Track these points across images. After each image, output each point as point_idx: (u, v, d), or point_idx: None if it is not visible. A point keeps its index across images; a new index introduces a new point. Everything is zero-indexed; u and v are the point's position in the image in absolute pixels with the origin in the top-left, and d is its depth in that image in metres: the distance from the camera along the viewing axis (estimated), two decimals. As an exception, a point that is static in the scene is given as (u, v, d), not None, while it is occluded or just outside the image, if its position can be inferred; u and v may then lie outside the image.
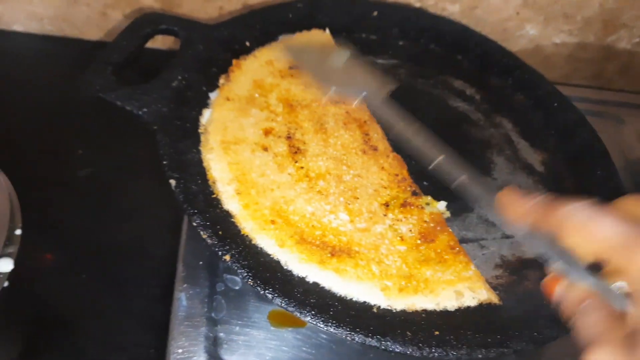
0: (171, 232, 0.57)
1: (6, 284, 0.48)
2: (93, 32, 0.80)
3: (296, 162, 0.52)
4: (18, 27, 0.80)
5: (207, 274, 0.48)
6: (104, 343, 0.54)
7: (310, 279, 0.45)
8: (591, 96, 0.83)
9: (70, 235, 0.61)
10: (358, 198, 0.51)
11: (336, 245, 0.47)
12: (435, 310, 0.45)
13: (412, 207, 0.51)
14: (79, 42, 0.81)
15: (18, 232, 0.49)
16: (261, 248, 0.45)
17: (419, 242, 0.49)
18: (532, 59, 0.83)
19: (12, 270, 0.47)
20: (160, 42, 0.79)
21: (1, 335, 0.53)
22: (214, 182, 0.49)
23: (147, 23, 0.59)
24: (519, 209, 0.34)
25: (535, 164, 0.61)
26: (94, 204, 0.65)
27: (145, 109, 0.51)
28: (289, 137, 0.54)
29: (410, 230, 0.49)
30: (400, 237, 0.49)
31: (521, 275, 0.49)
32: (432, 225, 0.50)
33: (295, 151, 0.53)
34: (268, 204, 0.48)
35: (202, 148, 0.52)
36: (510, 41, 0.81)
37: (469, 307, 0.46)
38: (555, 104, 0.66)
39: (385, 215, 0.50)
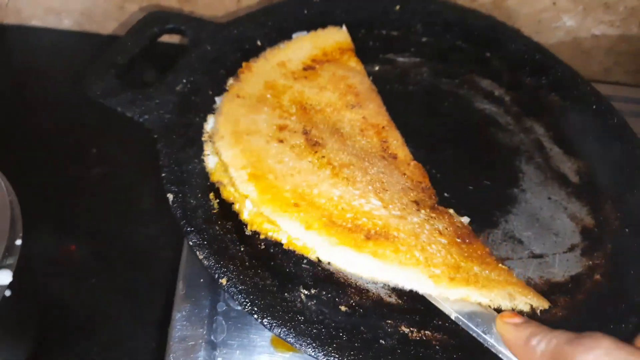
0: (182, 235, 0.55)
1: (8, 293, 0.47)
2: (111, 26, 0.80)
3: (315, 152, 0.48)
4: (36, 22, 0.80)
5: (208, 292, 0.46)
6: (112, 349, 0.54)
7: (339, 265, 0.41)
8: (633, 95, 0.76)
9: (81, 236, 0.61)
10: (387, 190, 0.46)
11: (371, 229, 0.42)
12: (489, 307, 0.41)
13: (443, 213, 0.47)
14: (97, 36, 0.80)
15: (18, 242, 0.48)
16: (261, 269, 0.42)
17: (458, 240, 0.44)
18: (569, 53, 0.78)
19: (19, 275, 0.46)
20: (172, 36, 0.77)
21: (8, 340, 0.53)
22: (225, 168, 0.45)
23: (153, 22, 0.56)
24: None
25: (569, 174, 0.56)
26: (106, 204, 0.64)
27: (146, 116, 0.48)
28: (305, 133, 0.50)
29: (447, 229, 0.45)
30: (439, 231, 0.44)
31: (550, 300, 0.45)
32: (466, 230, 0.46)
33: (314, 144, 0.49)
34: (289, 187, 0.44)
35: (204, 158, 0.48)
36: (545, 33, 0.76)
37: (522, 312, 0.42)
38: (594, 107, 0.60)
39: (418, 210, 0.46)
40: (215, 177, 0.47)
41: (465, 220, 0.49)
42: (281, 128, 0.51)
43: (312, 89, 0.56)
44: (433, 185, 0.51)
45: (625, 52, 0.79)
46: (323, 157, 0.48)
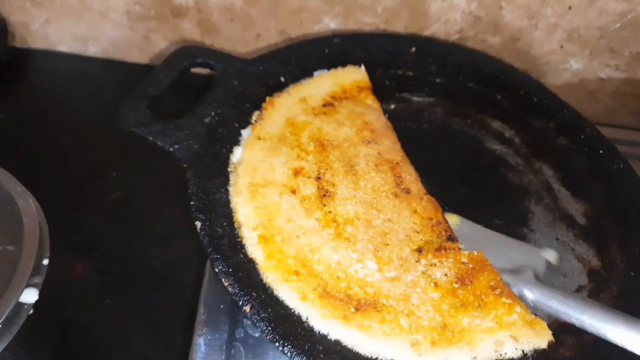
0: (200, 261, 0.56)
1: (31, 311, 0.48)
2: (135, 55, 0.83)
3: (324, 205, 0.51)
4: (62, 48, 0.83)
5: (227, 318, 0.47)
6: None
7: (332, 336, 0.43)
8: (637, 139, 0.79)
9: (101, 259, 0.62)
10: (388, 244, 0.49)
11: (361, 299, 0.45)
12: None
13: (448, 251, 0.49)
14: (122, 64, 0.83)
15: (45, 262, 0.49)
16: (282, 300, 0.44)
17: (455, 285, 0.46)
18: (576, 94, 0.80)
19: (44, 300, 0.47)
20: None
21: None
22: (239, 226, 0.48)
23: (184, 56, 0.60)
24: None
25: (576, 216, 0.58)
26: (126, 228, 0.65)
27: (176, 146, 0.51)
28: (318, 178, 0.53)
29: (446, 275, 0.47)
30: (434, 283, 0.46)
31: (558, 341, 0.46)
32: (470, 266, 0.48)
33: (324, 194, 0.52)
34: (292, 252, 0.47)
35: (230, 189, 0.51)
36: (552, 75, 0.79)
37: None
38: (600, 150, 0.62)
39: (417, 261, 0.48)
40: (237, 220, 0.50)
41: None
42: (296, 172, 0.53)
43: (330, 125, 0.59)
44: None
45: (630, 95, 0.81)
46: (330, 212, 0.51)
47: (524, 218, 0.57)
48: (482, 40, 0.75)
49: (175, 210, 0.64)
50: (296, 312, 0.44)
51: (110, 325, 0.56)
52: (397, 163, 0.57)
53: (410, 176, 0.56)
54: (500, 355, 0.43)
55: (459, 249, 0.50)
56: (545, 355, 0.44)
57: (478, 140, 0.64)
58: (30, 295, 0.47)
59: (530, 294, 0.47)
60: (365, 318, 0.44)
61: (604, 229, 0.56)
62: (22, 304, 0.46)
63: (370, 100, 0.63)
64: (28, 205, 0.52)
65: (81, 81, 0.81)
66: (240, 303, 0.41)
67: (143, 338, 0.56)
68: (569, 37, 0.73)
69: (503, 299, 0.46)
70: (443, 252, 0.49)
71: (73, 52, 0.83)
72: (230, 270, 0.43)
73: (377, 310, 0.45)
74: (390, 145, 0.59)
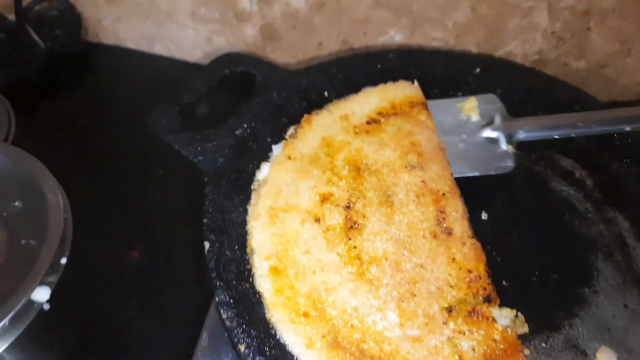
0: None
1: (47, 307, 0.47)
2: (197, 55, 0.83)
3: (349, 239, 0.46)
4: (130, 45, 0.86)
5: (229, 348, 0.44)
6: None
7: None
8: None
9: (123, 263, 0.61)
10: (416, 295, 0.43)
11: (375, 356, 0.39)
12: None
13: (481, 318, 0.42)
14: (184, 63, 0.84)
15: (63, 260, 0.48)
16: (284, 344, 0.39)
17: None
18: None
19: (59, 297, 0.46)
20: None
21: (42, 353, 0.53)
22: (252, 253, 0.44)
23: (226, 63, 0.57)
24: None
25: (654, 280, 0.48)
26: (157, 231, 0.64)
27: (201, 157, 0.48)
28: (347, 207, 0.48)
29: (473, 349, 0.40)
30: (459, 355, 0.40)
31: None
32: (501, 346, 0.41)
33: (351, 226, 0.47)
34: (305, 290, 0.42)
35: (249, 209, 0.47)
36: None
37: None
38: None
39: (445, 323, 0.42)
40: (250, 244, 0.46)
41: (509, 315, 0.43)
42: (324, 198, 0.49)
43: (371, 146, 0.53)
44: (490, 270, 0.46)
45: None
46: (355, 247, 0.46)
47: (588, 276, 0.49)
48: (564, 64, 0.68)
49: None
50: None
51: (129, 325, 0.55)
52: (443, 194, 0.51)
53: (455, 212, 0.50)
54: None
55: (493, 320, 0.43)
56: None
57: (543, 179, 0.57)
58: (42, 294, 0.46)
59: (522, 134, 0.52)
60: None
61: (688, 301, 0.47)
62: (32, 302, 0.46)
63: (424, 117, 0.57)
64: (57, 202, 0.51)
65: (145, 78, 0.82)
66: (236, 340, 0.38)
67: (156, 342, 0.53)
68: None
69: None
70: (475, 318, 0.42)
71: (140, 49, 0.86)
72: (232, 301, 0.40)
73: None
74: (438, 172, 0.52)
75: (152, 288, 0.58)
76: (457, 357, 0.40)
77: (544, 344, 0.44)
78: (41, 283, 0.46)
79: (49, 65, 0.80)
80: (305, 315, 0.41)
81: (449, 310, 0.42)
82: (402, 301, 0.42)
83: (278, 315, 0.41)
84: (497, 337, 0.41)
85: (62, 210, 0.51)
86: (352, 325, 0.41)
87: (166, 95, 0.56)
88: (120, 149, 0.72)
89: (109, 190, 0.67)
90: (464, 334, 0.41)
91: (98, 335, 0.55)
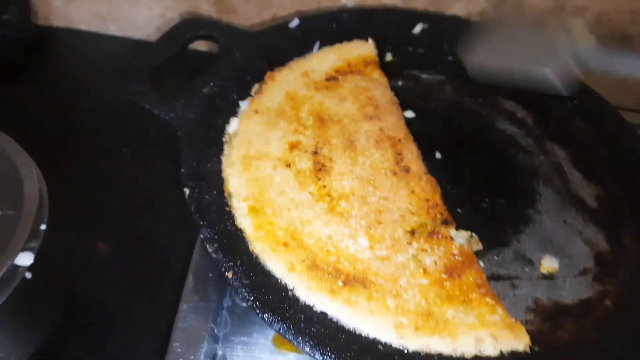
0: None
1: (29, 275, 0.49)
2: (153, 34, 0.83)
3: (319, 179, 0.50)
4: (82, 26, 0.84)
5: (215, 287, 0.47)
6: (127, 341, 0.54)
7: (318, 308, 0.42)
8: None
9: (105, 231, 0.63)
10: (381, 223, 0.48)
11: (350, 274, 0.44)
12: (451, 357, 0.41)
13: (440, 238, 0.47)
14: (139, 42, 0.83)
15: (43, 227, 0.50)
16: (269, 270, 0.43)
17: (443, 276, 0.45)
18: (603, 82, 0.76)
19: (40, 265, 0.48)
20: (203, 45, 0.80)
21: (26, 322, 0.54)
22: (229, 196, 0.48)
23: (187, 28, 0.59)
24: None
25: (587, 199, 0.55)
26: (132, 203, 0.66)
27: (172, 114, 0.51)
28: (315, 153, 0.52)
29: (435, 263, 0.45)
30: (423, 269, 0.45)
31: (556, 322, 0.44)
32: (460, 259, 0.46)
33: (320, 168, 0.51)
34: (282, 224, 0.46)
35: (223, 159, 0.50)
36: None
37: (489, 358, 0.41)
38: (619, 134, 0.59)
39: (409, 243, 0.47)
40: (227, 188, 0.49)
41: (465, 235, 0.49)
42: (293, 146, 0.52)
43: (332, 100, 0.57)
44: (446, 201, 0.51)
45: (662, 82, 0.77)
46: (324, 186, 0.50)
47: (531, 199, 0.54)
48: None
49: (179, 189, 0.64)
50: (282, 282, 0.43)
51: (111, 295, 0.56)
52: (399, 140, 0.56)
53: (411, 154, 0.55)
54: (480, 351, 0.41)
55: (451, 238, 0.48)
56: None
57: (489, 120, 0.62)
58: (25, 259, 0.48)
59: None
60: (352, 293, 0.43)
61: (617, 214, 0.53)
62: (17, 267, 0.47)
63: (377, 75, 0.61)
64: (30, 173, 0.53)
65: (100, 59, 0.82)
66: (223, 269, 0.41)
67: (141, 309, 0.55)
68: (598, 20, 0.69)
69: (487, 299, 0.44)
70: (435, 238, 0.47)
71: (93, 30, 0.84)
72: (216, 237, 0.43)
73: (365, 287, 0.43)
74: (393, 122, 0.57)
75: (134, 258, 0.60)
76: (421, 270, 0.44)
77: (496, 257, 0.49)
78: (24, 249, 0.48)
79: (1, 51, 0.79)
80: (285, 244, 0.45)
81: (412, 233, 0.47)
82: (370, 228, 0.47)
83: (260, 247, 0.44)
84: (455, 252, 0.46)
85: (37, 181, 0.53)
86: (327, 250, 0.45)
87: (132, 64, 0.57)
88: (81, 128, 0.72)
89: (80, 167, 0.68)
90: (426, 251, 0.46)
91: (82, 309, 0.56)
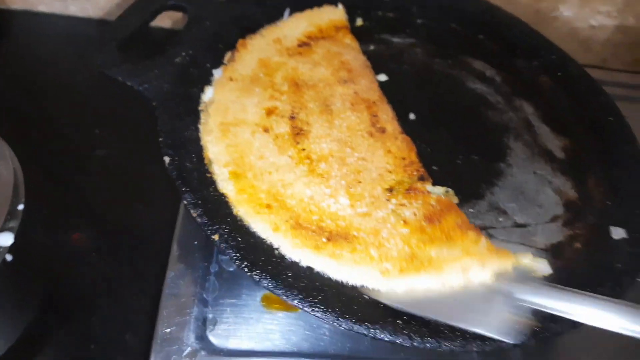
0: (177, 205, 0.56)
1: (10, 257, 0.48)
2: (115, 13, 0.80)
3: (297, 143, 0.50)
4: (43, 8, 0.82)
5: (201, 254, 0.48)
6: (113, 319, 0.55)
7: (304, 264, 0.43)
8: (628, 81, 0.78)
9: (82, 212, 0.62)
10: (361, 182, 0.49)
11: (333, 230, 0.45)
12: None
13: (418, 194, 0.49)
14: (102, 22, 0.82)
15: (20, 207, 0.50)
16: (254, 231, 0.44)
17: (424, 224, 0.46)
18: (567, 44, 0.77)
19: (19, 244, 0.47)
20: (168, 21, 0.78)
21: (8, 306, 0.54)
22: (210, 163, 0.48)
23: (156, -1, 0.58)
24: None
25: (555, 151, 0.57)
26: (107, 183, 0.66)
27: (146, 85, 0.50)
28: (292, 117, 0.53)
29: (415, 214, 0.47)
30: (404, 220, 0.46)
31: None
32: (438, 207, 0.48)
33: (298, 132, 0.51)
34: (264, 187, 0.47)
35: (201, 127, 0.51)
36: (543, 24, 0.77)
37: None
38: (583, 88, 0.61)
39: (388, 200, 0.48)
40: (207, 155, 0.50)
41: (440, 191, 0.50)
42: (270, 112, 0.53)
43: (305, 65, 0.58)
44: (422, 159, 0.53)
45: (621, 43, 0.80)
46: (303, 149, 0.50)
47: (502, 154, 0.57)
48: None
49: (155, 166, 0.63)
50: (267, 242, 0.44)
51: (93, 275, 0.56)
52: (374, 102, 0.56)
53: (386, 115, 0.56)
54: (468, 279, 0.43)
55: (428, 192, 0.49)
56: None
57: (459, 81, 0.64)
58: (5, 239, 0.48)
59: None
60: (336, 247, 0.44)
61: (583, 163, 0.56)
62: (-2, 247, 0.47)
63: (349, 40, 0.62)
64: (3, 153, 0.52)
65: (62, 40, 0.80)
66: (209, 232, 0.42)
67: (125, 287, 0.55)
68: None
69: (469, 234, 0.46)
70: (413, 193, 0.49)
71: (53, 11, 0.82)
72: (200, 202, 0.43)
73: (348, 241, 0.45)
74: (367, 85, 0.58)
75: (115, 237, 0.60)
76: (402, 222, 0.46)
77: (471, 209, 0.51)
78: (3, 229, 0.48)
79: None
80: (268, 206, 0.45)
81: (390, 190, 0.49)
82: (350, 187, 0.48)
83: (243, 210, 0.45)
84: (433, 203, 0.48)
85: (10, 161, 0.52)
86: (310, 210, 0.46)
87: (100, 37, 0.56)
88: (49, 110, 0.71)
89: (53, 148, 0.67)
90: (405, 206, 0.47)
91: (64, 290, 0.56)
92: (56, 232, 0.59)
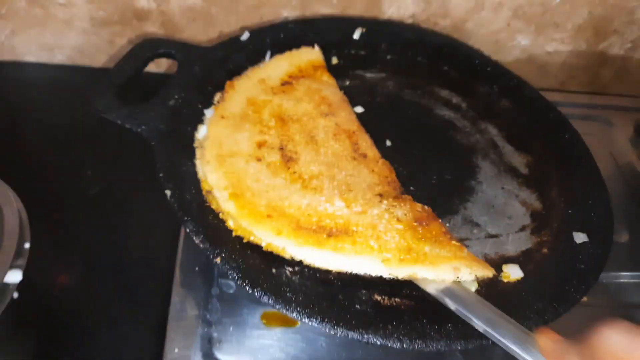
0: (176, 241, 0.59)
1: (16, 295, 0.51)
2: (101, 59, 0.85)
3: (289, 168, 0.55)
4: (30, 58, 0.85)
5: (203, 278, 0.51)
6: (113, 349, 0.56)
7: (308, 261, 0.47)
8: (582, 101, 0.85)
9: (81, 249, 0.64)
10: (352, 190, 0.53)
11: (333, 227, 0.49)
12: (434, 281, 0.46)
13: (405, 200, 0.53)
14: (89, 69, 0.85)
15: (27, 245, 0.52)
16: (250, 250, 0.48)
17: (415, 224, 0.51)
18: (526, 69, 0.85)
19: (24, 282, 0.50)
20: (159, 66, 0.83)
21: (12, 343, 0.56)
22: (209, 191, 0.52)
23: (147, 48, 0.63)
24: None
25: (519, 167, 0.63)
26: (104, 219, 0.68)
27: (144, 126, 0.55)
28: (281, 148, 0.57)
29: (406, 215, 0.51)
30: (397, 218, 0.51)
31: (501, 271, 0.51)
32: (424, 214, 0.52)
33: (288, 159, 0.56)
34: (263, 202, 0.51)
35: (198, 161, 0.55)
36: (503, 52, 0.83)
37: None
38: (539, 108, 0.68)
39: (380, 202, 0.52)
40: (205, 187, 0.54)
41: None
42: (260, 145, 0.57)
43: (289, 102, 0.63)
44: (400, 181, 0.58)
45: (576, 67, 0.86)
46: (295, 172, 0.55)
47: (472, 172, 0.62)
48: (434, 23, 0.80)
49: (148, 197, 0.66)
50: (267, 257, 0.47)
51: (94, 309, 0.58)
52: (354, 132, 0.62)
53: (365, 143, 0.61)
54: (458, 277, 0.47)
55: (413, 202, 0.54)
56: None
57: (428, 108, 0.70)
58: (14, 276, 0.50)
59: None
60: (338, 241, 0.48)
61: (545, 176, 0.62)
62: (6, 285, 0.49)
63: (326, 77, 0.68)
64: (6, 196, 0.55)
65: (50, 88, 0.83)
66: (212, 256, 0.45)
67: (124, 317, 0.57)
68: (515, 14, 0.78)
69: (454, 242, 0.51)
70: (400, 199, 0.53)
71: (40, 61, 0.85)
72: (201, 229, 0.47)
73: (349, 235, 0.49)
74: (346, 117, 0.63)
75: (114, 270, 0.62)
76: (395, 219, 0.50)
77: (447, 224, 0.56)
78: (12, 266, 0.50)
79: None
80: (269, 216, 0.50)
81: (380, 195, 0.54)
82: (343, 194, 0.53)
83: (245, 222, 0.49)
84: (419, 209, 0.53)
85: (15, 203, 0.55)
86: (308, 214, 0.50)
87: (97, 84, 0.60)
88: (42, 156, 0.74)
89: (50, 192, 0.69)
90: (396, 206, 0.52)
91: (68, 320, 0.58)
92: (58, 269, 0.62)
